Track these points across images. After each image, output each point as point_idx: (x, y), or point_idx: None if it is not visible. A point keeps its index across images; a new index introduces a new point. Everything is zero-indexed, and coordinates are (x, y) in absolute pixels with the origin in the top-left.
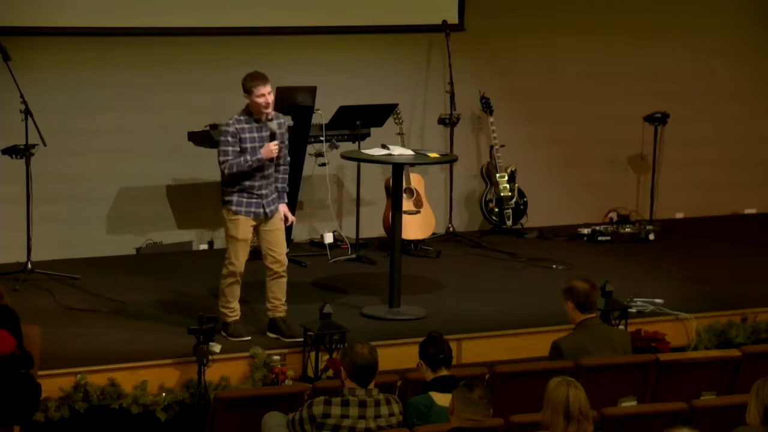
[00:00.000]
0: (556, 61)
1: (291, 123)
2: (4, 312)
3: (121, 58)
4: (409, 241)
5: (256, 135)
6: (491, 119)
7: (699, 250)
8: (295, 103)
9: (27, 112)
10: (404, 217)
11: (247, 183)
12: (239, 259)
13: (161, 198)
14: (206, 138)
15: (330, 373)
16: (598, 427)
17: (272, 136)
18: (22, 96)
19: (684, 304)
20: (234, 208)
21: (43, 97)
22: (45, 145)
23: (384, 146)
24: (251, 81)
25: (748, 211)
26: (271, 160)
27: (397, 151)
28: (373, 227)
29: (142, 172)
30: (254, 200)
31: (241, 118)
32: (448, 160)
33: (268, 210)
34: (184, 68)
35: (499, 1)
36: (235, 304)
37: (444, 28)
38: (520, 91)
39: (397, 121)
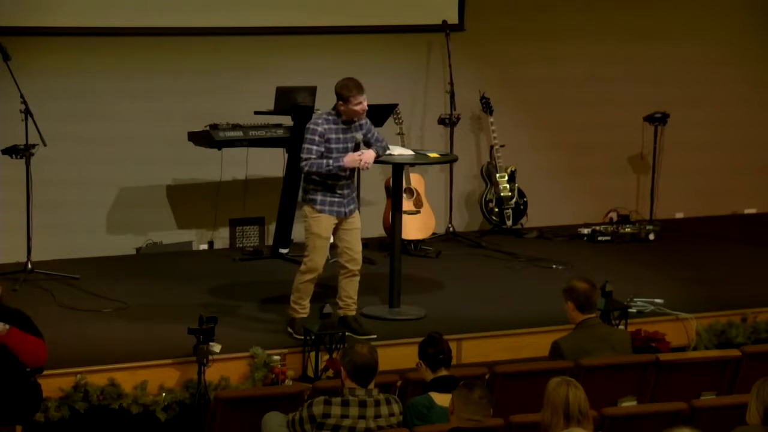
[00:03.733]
0: (556, 61)
1: (291, 123)
2: (20, 317)
3: (121, 58)
4: (409, 241)
5: (341, 136)
6: (491, 119)
7: (699, 250)
8: (295, 103)
9: (27, 112)
10: (404, 217)
11: (330, 182)
12: (320, 256)
13: (161, 198)
14: (206, 138)
15: (330, 373)
16: (598, 427)
17: (357, 146)
18: (22, 96)
19: (684, 304)
20: (318, 207)
21: (43, 97)
22: (45, 145)
23: None
24: (349, 91)
25: (748, 211)
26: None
27: (397, 151)
28: (373, 227)
29: (142, 172)
30: (336, 199)
31: (330, 118)
32: (448, 160)
33: (347, 209)
34: (184, 68)
35: (499, 2)
36: (307, 302)
37: (444, 28)
38: (520, 91)
39: (397, 121)
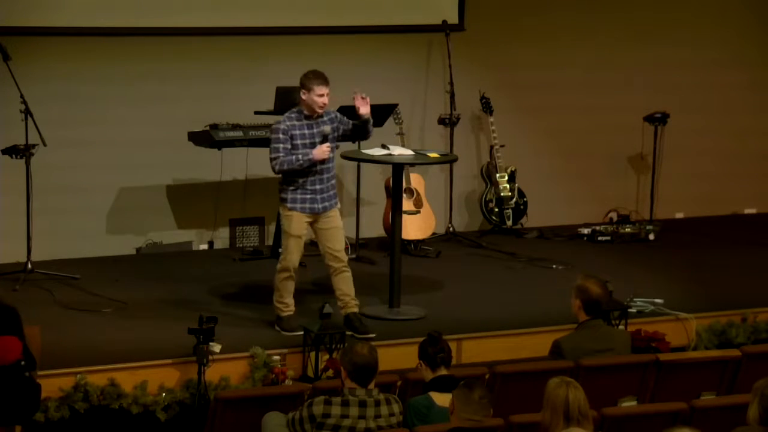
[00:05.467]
0: (555, 61)
1: None
2: (6, 312)
3: (121, 59)
4: (409, 241)
5: (307, 132)
6: (491, 119)
7: (699, 250)
8: (295, 103)
9: (27, 112)
10: (404, 217)
11: (301, 180)
12: (293, 254)
13: (161, 198)
14: (206, 138)
15: (330, 373)
16: (598, 427)
17: (324, 139)
18: (22, 96)
19: (684, 304)
20: (289, 205)
21: (43, 98)
22: (45, 145)
23: (384, 146)
24: (313, 79)
25: (748, 211)
26: (323, 161)
27: (397, 151)
28: (373, 227)
29: (142, 173)
30: (308, 196)
31: (293, 115)
32: (448, 160)
33: (321, 206)
34: (184, 68)
35: (499, 1)
36: (290, 300)
37: (444, 28)
38: (520, 91)
39: (397, 121)
